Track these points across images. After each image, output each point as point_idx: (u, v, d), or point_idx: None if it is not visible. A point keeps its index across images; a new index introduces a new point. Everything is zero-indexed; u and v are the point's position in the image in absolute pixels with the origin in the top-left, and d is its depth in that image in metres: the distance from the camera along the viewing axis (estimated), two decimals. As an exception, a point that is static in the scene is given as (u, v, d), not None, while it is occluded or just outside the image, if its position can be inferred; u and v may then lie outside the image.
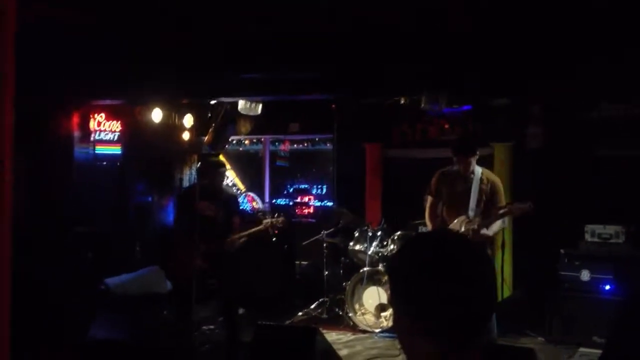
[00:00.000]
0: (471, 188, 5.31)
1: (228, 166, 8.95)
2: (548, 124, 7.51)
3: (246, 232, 5.71)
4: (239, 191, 9.45)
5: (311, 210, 9.24)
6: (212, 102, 8.31)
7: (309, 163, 9.83)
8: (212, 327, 6.30)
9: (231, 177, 9.74)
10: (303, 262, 7.76)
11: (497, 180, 5.46)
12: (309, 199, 9.32)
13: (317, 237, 6.98)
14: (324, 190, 9.43)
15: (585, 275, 5.97)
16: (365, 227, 6.79)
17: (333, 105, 8.44)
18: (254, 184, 9.87)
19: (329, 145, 9.41)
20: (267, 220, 5.93)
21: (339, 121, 8.56)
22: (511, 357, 4.20)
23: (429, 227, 5.56)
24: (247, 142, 10.29)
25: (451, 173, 5.47)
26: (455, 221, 5.30)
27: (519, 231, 6.89)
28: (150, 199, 8.84)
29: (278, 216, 5.88)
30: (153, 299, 7.29)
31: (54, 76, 6.41)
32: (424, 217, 7.05)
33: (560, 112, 7.51)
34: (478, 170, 5.38)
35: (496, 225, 5.31)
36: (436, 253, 1.28)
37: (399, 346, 4.92)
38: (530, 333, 6.11)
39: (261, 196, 9.61)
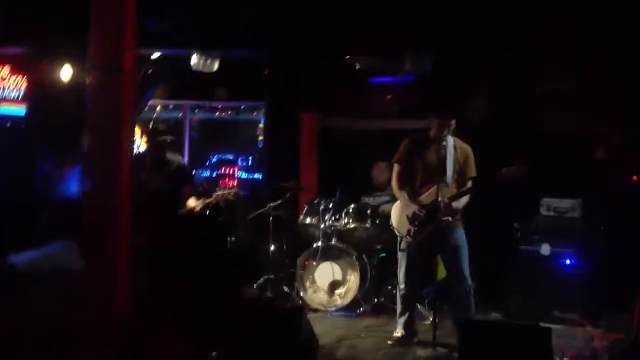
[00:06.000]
0: (446, 156, 4.96)
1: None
2: (491, 98, 7.39)
3: (201, 203, 5.21)
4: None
5: (236, 182, 8.63)
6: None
7: (232, 133, 9.18)
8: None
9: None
10: (240, 237, 7.14)
11: (470, 149, 5.13)
12: (234, 171, 8.70)
13: (262, 209, 6.41)
14: (250, 162, 8.84)
15: (545, 249, 5.87)
16: (317, 200, 6.33)
17: (266, 71, 7.92)
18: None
19: (255, 114, 8.83)
20: (219, 192, 5.44)
21: (272, 88, 8.05)
22: (522, 336, 3.94)
23: (398, 196, 5.15)
24: (159, 108, 9.45)
25: (423, 140, 5.09)
26: (431, 190, 4.95)
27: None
28: (56, 166, 7.86)
29: (230, 187, 5.47)
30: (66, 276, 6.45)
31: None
32: (368, 190, 6.79)
33: (503, 85, 7.41)
34: (450, 137, 5.06)
35: (464, 198, 5.00)
36: None
37: (360, 325, 4.53)
38: (487, 310, 5.93)
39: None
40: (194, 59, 6.48)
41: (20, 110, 7.10)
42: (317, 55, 7.34)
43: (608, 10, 5.55)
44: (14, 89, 6.99)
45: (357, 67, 6.95)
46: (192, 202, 5.31)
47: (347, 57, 7.33)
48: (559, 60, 6.85)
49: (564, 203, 6.06)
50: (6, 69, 6.86)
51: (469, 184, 4.98)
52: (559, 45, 6.32)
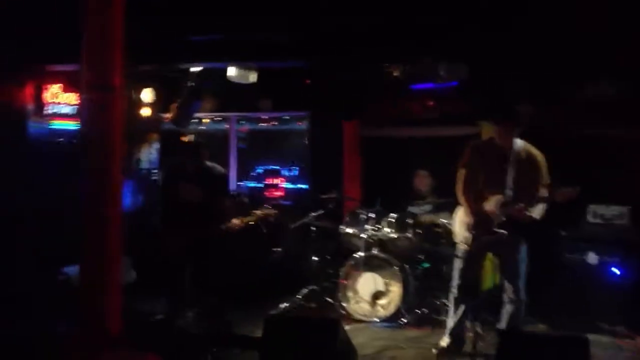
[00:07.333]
0: (509, 163, 4.79)
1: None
2: (536, 103, 7.26)
3: (241, 222, 5.35)
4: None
5: (282, 193, 8.73)
6: (178, 73, 7.63)
7: (278, 143, 9.29)
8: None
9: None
10: (284, 248, 7.20)
11: (539, 155, 4.87)
12: (280, 181, 8.80)
13: (304, 220, 6.47)
14: (296, 172, 8.93)
15: (592, 258, 5.73)
16: (358, 209, 6.36)
17: (307, 80, 7.96)
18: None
19: (299, 124, 8.91)
20: (258, 212, 5.55)
21: (314, 97, 8.10)
22: (559, 347, 3.87)
23: (461, 202, 5.00)
24: (206, 120, 9.63)
25: (486, 146, 4.97)
26: (492, 201, 4.82)
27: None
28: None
29: (268, 209, 5.63)
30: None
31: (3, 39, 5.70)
32: (410, 199, 6.76)
33: (546, 91, 7.27)
34: (518, 142, 4.87)
35: (540, 207, 4.75)
36: None
37: (402, 336, 4.48)
38: (533, 321, 5.79)
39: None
40: (232, 72, 6.56)
41: (72, 125, 7.33)
42: (357, 64, 7.36)
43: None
44: (66, 105, 7.23)
45: (396, 74, 6.90)
46: (234, 221, 5.42)
47: (386, 64, 7.30)
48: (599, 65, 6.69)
49: (612, 210, 5.91)
50: (58, 86, 7.10)
51: (540, 193, 4.73)
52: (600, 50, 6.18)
